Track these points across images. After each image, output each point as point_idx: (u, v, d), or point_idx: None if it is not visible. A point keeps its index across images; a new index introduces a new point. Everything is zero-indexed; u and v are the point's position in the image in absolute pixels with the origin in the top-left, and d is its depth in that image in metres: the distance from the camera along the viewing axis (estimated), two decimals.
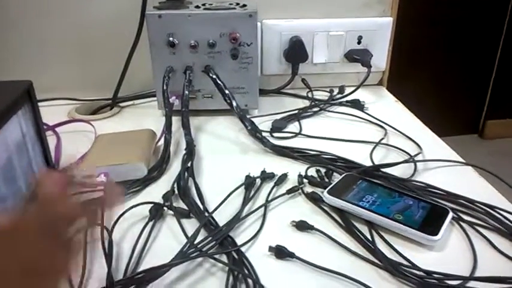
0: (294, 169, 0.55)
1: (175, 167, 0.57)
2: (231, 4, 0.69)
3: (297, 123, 0.70)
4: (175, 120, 0.64)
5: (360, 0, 0.78)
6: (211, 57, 0.67)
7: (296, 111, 0.72)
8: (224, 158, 0.60)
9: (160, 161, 0.56)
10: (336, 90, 0.80)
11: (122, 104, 0.77)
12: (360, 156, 0.59)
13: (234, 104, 0.64)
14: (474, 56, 2.36)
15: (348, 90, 0.81)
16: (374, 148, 0.60)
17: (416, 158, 0.57)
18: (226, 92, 0.65)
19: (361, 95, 0.77)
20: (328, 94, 0.80)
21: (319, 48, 0.80)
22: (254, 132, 0.61)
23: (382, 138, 0.62)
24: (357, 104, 0.75)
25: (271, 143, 0.60)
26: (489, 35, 2.32)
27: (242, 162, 0.59)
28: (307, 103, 0.78)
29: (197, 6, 0.68)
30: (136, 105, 0.78)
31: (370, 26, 0.79)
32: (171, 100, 0.67)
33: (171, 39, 0.65)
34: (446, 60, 2.28)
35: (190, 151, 0.57)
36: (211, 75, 0.66)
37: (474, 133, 2.66)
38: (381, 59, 0.82)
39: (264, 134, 0.64)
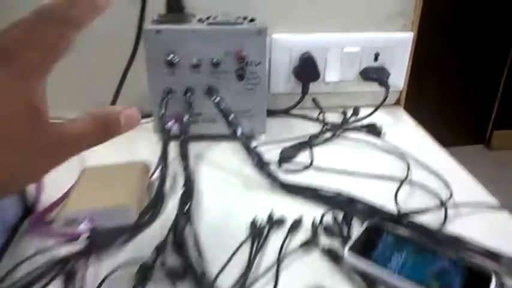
0: (306, 211, 0.48)
1: (171, 207, 0.50)
2: (238, 18, 0.62)
3: (307, 152, 0.63)
4: (173, 146, 0.57)
5: (379, 13, 0.71)
6: (215, 78, 0.60)
7: (306, 139, 0.65)
8: (227, 195, 0.53)
9: (153, 201, 0.49)
10: (349, 112, 0.74)
11: None
12: (382, 195, 0.52)
13: (239, 132, 0.57)
14: (482, 65, 2.30)
15: (362, 111, 0.74)
16: (398, 190, 0.53)
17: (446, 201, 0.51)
18: (231, 118, 0.58)
19: (377, 117, 0.70)
20: (341, 116, 0.74)
21: (332, 65, 0.73)
22: (261, 167, 0.54)
23: (405, 178, 0.55)
24: (374, 129, 0.68)
25: (279, 180, 0.53)
26: (498, 46, 2.26)
27: (247, 201, 0.52)
28: (318, 126, 0.71)
29: (200, 20, 0.61)
30: None
31: (389, 41, 0.72)
32: (168, 125, 0.60)
33: (170, 57, 0.58)
34: (453, 69, 2.22)
35: (189, 189, 0.51)
36: (214, 98, 0.60)
37: (480, 143, 2.60)
38: (399, 78, 0.76)
39: (271, 165, 0.58)
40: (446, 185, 0.54)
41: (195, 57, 0.59)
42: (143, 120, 0.70)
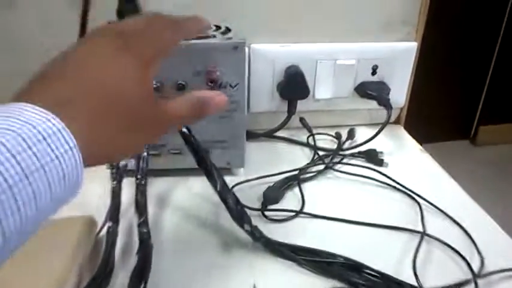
0: (298, 282, 0.38)
1: (121, 280, 0.38)
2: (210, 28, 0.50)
3: (296, 190, 0.52)
4: (130, 185, 0.45)
5: (378, 19, 0.60)
6: None
7: (295, 172, 0.54)
8: (196, 261, 0.41)
9: (99, 274, 0.37)
10: (343, 134, 0.63)
11: None
12: (393, 256, 0.42)
13: (212, 172, 0.45)
14: (468, 61, 2.24)
15: (358, 132, 0.63)
16: (417, 252, 0.42)
17: (474, 265, 0.40)
18: (202, 153, 0.46)
19: (375, 139, 0.59)
20: (334, 139, 0.63)
21: (323, 80, 0.61)
22: (241, 221, 0.43)
23: (422, 236, 0.45)
24: (373, 157, 0.58)
25: (264, 238, 0.42)
26: (485, 41, 2.20)
27: (222, 269, 0.40)
28: (307, 151, 0.60)
29: None
30: None
31: (389, 52, 0.61)
32: (122, 163, 0.48)
33: None
34: (438, 64, 2.14)
35: (145, 258, 0.39)
36: (180, 129, 0.48)
37: (465, 139, 2.56)
38: (399, 94, 0.65)
39: (252, 211, 0.46)
40: (469, 234, 0.44)
41: (154, 78, 0.46)
42: None
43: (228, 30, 0.50)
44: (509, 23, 2.13)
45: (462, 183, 0.54)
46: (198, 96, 0.31)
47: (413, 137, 0.65)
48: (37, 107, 0.21)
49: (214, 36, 0.47)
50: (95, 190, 0.50)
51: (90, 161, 0.24)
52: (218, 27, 0.50)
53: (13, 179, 0.18)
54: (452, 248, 0.43)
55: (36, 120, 0.20)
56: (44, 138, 0.20)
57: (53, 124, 0.21)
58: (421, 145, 0.63)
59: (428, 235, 0.44)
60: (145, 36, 0.28)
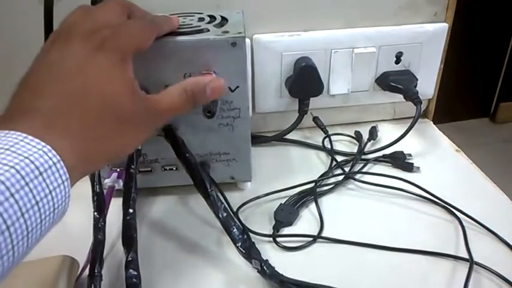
0: None
1: None
2: (201, 19, 0.41)
3: (313, 206, 0.44)
4: (119, 209, 0.39)
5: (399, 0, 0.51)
6: None
7: (310, 184, 0.46)
8: None
9: None
10: (364, 133, 0.55)
11: None
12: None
13: (211, 195, 0.38)
14: (487, 39, 2.11)
15: (381, 130, 0.55)
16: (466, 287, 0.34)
17: None
18: (198, 170, 0.39)
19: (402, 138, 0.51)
20: (354, 141, 0.55)
21: (340, 72, 0.53)
22: (248, 257, 0.35)
23: (470, 268, 0.37)
24: (401, 162, 0.50)
25: (277, 276, 0.35)
26: (503, 18, 2.07)
27: None
28: (323, 157, 0.52)
29: None
30: None
31: (415, 37, 0.53)
32: (109, 181, 0.41)
33: None
34: (456, 43, 2.03)
35: None
36: (171, 141, 0.40)
37: (485, 117, 2.44)
38: (428, 83, 0.56)
39: (262, 237, 0.39)
40: None
41: (139, 81, 0.38)
42: None
43: (224, 20, 0.41)
44: None
45: (487, 166, 0.49)
46: (191, 83, 0.31)
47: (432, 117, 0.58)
48: (35, 140, 0.22)
49: (207, 30, 0.39)
50: (77, 221, 0.43)
51: (90, 165, 0.26)
52: (212, 18, 0.42)
53: (11, 219, 0.20)
54: (507, 281, 0.35)
55: (34, 155, 0.21)
56: (40, 173, 0.21)
57: (49, 158, 0.22)
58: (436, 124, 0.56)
59: (477, 263, 0.36)
60: (119, 32, 0.28)
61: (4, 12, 0.46)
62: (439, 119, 0.60)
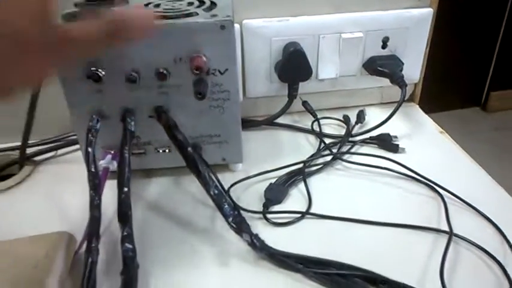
0: None
1: None
2: (190, 4, 0.43)
3: (302, 186, 0.46)
4: (114, 189, 0.40)
5: None
6: (162, 94, 0.42)
7: (299, 165, 0.48)
8: (189, 277, 0.36)
9: None
10: (352, 117, 0.56)
11: (37, 158, 0.52)
12: (414, 260, 0.36)
13: (204, 174, 0.39)
14: (477, 28, 2.13)
15: (369, 114, 0.57)
16: (444, 257, 0.36)
17: None
18: (190, 151, 0.40)
19: (389, 121, 0.53)
20: (342, 124, 0.56)
21: (328, 57, 0.54)
22: (239, 231, 0.37)
23: (450, 237, 0.38)
24: (387, 143, 0.51)
25: (266, 249, 0.36)
26: (494, 8, 2.09)
27: (219, 285, 0.35)
28: (312, 140, 0.54)
29: None
30: (59, 157, 0.52)
31: (401, 22, 0.54)
32: (103, 162, 0.43)
33: (93, 69, 0.39)
34: (447, 31, 2.04)
35: (130, 280, 0.33)
36: (164, 123, 0.41)
37: (476, 106, 2.47)
38: (414, 68, 0.58)
39: (253, 214, 0.41)
40: (502, 232, 0.38)
41: (129, 67, 0.40)
42: (76, 147, 0.52)
43: (213, 5, 0.43)
44: None
45: (477, 153, 0.51)
46: (109, 17, 0.26)
47: (423, 107, 0.59)
48: None
49: (196, 14, 0.40)
50: (72, 201, 0.45)
51: None
52: (201, 3, 0.43)
53: None
54: (485, 251, 0.37)
55: None
56: None
57: None
58: (428, 114, 0.57)
59: (456, 235, 0.38)
60: None
61: None
62: (431, 109, 0.62)
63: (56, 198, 0.45)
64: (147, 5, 0.43)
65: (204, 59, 0.39)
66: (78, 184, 0.46)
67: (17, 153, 0.52)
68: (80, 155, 0.52)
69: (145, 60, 0.40)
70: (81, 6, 0.43)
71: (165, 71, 0.40)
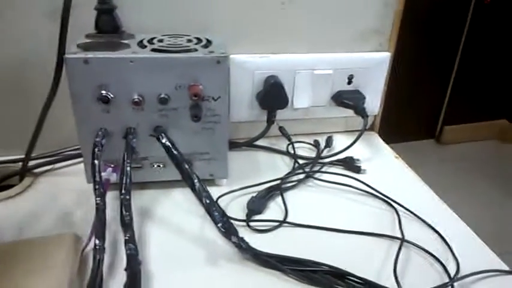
0: None
1: None
2: (189, 41, 0.50)
3: (279, 199, 0.53)
4: (114, 198, 0.45)
5: (351, 31, 0.62)
6: (162, 116, 0.48)
7: (277, 181, 0.55)
8: (184, 276, 0.42)
9: None
10: (321, 141, 0.64)
11: (37, 171, 0.56)
12: (372, 261, 0.43)
13: (197, 186, 0.45)
14: (432, 66, 2.33)
15: (335, 140, 0.65)
16: (397, 258, 0.44)
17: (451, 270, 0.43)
18: (186, 167, 0.46)
19: (352, 146, 0.61)
20: (313, 147, 0.64)
21: (302, 90, 0.63)
22: (228, 234, 0.43)
23: (401, 242, 0.47)
24: (351, 165, 0.60)
25: (251, 249, 0.43)
26: (447, 47, 2.29)
27: (211, 282, 0.41)
28: (287, 160, 0.61)
29: (141, 44, 0.48)
30: (57, 170, 0.57)
31: (363, 62, 0.64)
32: (105, 174, 0.48)
33: (103, 93, 0.45)
34: (404, 68, 2.22)
35: (134, 274, 0.39)
36: (164, 141, 0.48)
37: (431, 138, 2.65)
38: (374, 102, 0.67)
39: (237, 222, 0.47)
40: (444, 240, 0.47)
41: (135, 92, 0.46)
42: (74, 161, 0.57)
43: (209, 42, 0.50)
44: (470, 28, 2.23)
45: (429, 180, 0.58)
46: None
47: (382, 136, 0.68)
48: None
49: (195, 50, 0.47)
50: (72, 209, 0.49)
51: None
52: (199, 40, 0.50)
53: None
54: (430, 253, 0.45)
55: None
56: None
57: None
58: (388, 144, 0.66)
59: (407, 241, 0.46)
60: None
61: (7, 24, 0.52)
62: (389, 139, 0.70)
63: (56, 206, 0.50)
64: (151, 39, 0.49)
65: (201, 87, 0.47)
66: (76, 194, 0.51)
67: (15, 165, 0.56)
68: (76, 168, 0.57)
69: (150, 86, 0.46)
70: (92, 38, 0.49)
71: (166, 96, 0.47)
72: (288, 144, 0.63)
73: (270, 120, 0.62)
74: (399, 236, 0.47)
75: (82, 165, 0.52)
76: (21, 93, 0.55)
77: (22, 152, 0.53)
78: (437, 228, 0.48)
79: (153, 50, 0.46)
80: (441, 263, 0.44)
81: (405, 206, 0.51)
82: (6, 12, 0.51)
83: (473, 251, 0.46)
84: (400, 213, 0.50)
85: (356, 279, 0.41)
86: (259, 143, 0.63)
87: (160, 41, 0.49)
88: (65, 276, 0.37)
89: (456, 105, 2.50)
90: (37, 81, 0.52)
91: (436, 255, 0.44)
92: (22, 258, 0.39)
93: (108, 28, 0.49)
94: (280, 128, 0.64)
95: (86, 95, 0.46)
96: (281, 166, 0.60)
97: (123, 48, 0.46)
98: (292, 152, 0.62)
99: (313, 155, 0.62)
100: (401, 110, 2.32)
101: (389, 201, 0.52)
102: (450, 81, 2.42)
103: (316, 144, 0.64)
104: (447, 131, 2.58)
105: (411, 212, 0.50)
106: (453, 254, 0.45)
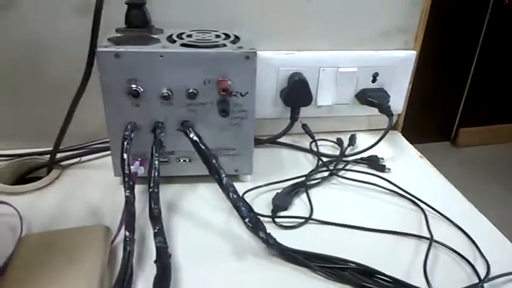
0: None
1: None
2: (218, 36, 0.50)
3: (304, 196, 0.53)
4: (141, 192, 0.46)
5: (376, 29, 0.62)
6: (190, 111, 0.48)
7: (301, 178, 0.55)
8: (211, 270, 0.42)
9: (119, 282, 0.37)
10: (344, 140, 0.64)
11: (64, 163, 0.57)
12: (400, 260, 0.43)
13: (224, 180, 0.46)
14: (448, 64, 2.30)
15: (358, 138, 0.65)
16: (426, 258, 0.43)
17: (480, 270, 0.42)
18: (214, 161, 0.46)
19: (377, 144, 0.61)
20: (336, 145, 0.64)
21: (326, 87, 0.63)
22: (255, 230, 0.43)
23: (430, 242, 0.46)
24: (375, 163, 0.59)
25: (278, 246, 0.43)
26: (464, 49, 2.26)
27: (238, 277, 0.41)
28: (310, 158, 0.61)
29: (170, 38, 0.49)
30: (84, 163, 0.57)
31: (389, 61, 0.63)
32: (133, 168, 0.48)
33: (133, 86, 0.46)
34: (420, 69, 2.20)
35: (164, 267, 0.39)
36: (191, 136, 0.48)
37: (446, 140, 2.63)
38: (398, 101, 0.67)
39: (263, 218, 0.47)
40: (473, 241, 0.46)
41: (164, 86, 0.46)
42: (101, 154, 0.58)
43: (237, 38, 0.50)
44: (488, 29, 2.20)
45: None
46: None
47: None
48: None
49: (224, 45, 0.47)
50: (105, 197, 0.50)
51: None
52: (227, 36, 0.50)
53: None
54: (458, 253, 0.44)
55: None
56: None
57: None
58: None
59: (435, 241, 0.46)
60: None
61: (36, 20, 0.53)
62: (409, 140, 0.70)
63: (84, 198, 0.50)
64: (180, 34, 0.50)
65: (230, 82, 0.47)
66: (102, 187, 0.52)
67: (43, 157, 0.57)
68: (101, 161, 0.58)
69: (179, 81, 0.46)
70: (122, 32, 0.50)
71: (194, 91, 0.47)
72: (311, 142, 0.63)
73: (294, 118, 0.62)
74: (427, 235, 0.46)
75: (108, 158, 0.52)
76: (49, 87, 0.56)
77: (49, 145, 0.53)
78: (464, 229, 0.48)
79: (183, 44, 0.47)
80: (470, 264, 0.43)
81: (432, 205, 0.51)
82: (35, 7, 0.52)
83: (502, 252, 0.45)
84: (427, 213, 0.50)
85: (385, 278, 0.40)
86: (282, 140, 0.63)
87: (189, 36, 0.50)
88: (97, 267, 0.38)
89: (472, 107, 2.47)
90: (65, 75, 0.53)
91: (465, 256, 0.44)
92: (59, 248, 0.40)
93: (138, 23, 0.49)
94: (303, 126, 0.64)
95: (116, 88, 0.46)
96: (304, 163, 0.60)
97: (154, 43, 0.47)
98: (316, 149, 0.62)
99: (336, 153, 0.61)
100: (418, 111, 2.30)
101: (416, 200, 0.52)
102: (467, 83, 2.40)
103: (339, 142, 0.64)
104: (463, 133, 2.55)
105: (438, 212, 0.50)
106: (482, 255, 0.44)
